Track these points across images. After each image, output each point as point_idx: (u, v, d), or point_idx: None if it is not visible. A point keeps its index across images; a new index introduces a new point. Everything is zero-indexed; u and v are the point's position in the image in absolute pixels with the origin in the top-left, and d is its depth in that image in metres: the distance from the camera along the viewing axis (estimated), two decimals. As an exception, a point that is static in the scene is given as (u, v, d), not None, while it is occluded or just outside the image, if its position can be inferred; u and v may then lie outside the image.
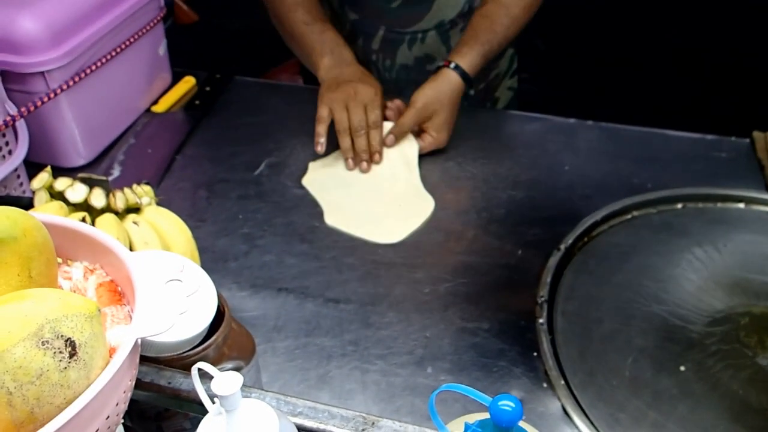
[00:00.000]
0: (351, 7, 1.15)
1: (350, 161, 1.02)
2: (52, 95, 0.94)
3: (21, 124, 0.93)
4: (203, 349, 0.59)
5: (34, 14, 0.92)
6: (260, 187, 1.02)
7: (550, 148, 1.07)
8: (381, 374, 0.75)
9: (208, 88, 1.22)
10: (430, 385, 0.73)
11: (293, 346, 0.79)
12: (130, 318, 0.47)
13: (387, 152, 1.03)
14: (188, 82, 1.24)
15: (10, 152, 0.91)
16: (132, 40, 1.07)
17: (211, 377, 0.44)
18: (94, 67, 1.00)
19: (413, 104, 1.01)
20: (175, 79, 1.23)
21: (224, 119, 1.17)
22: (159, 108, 1.18)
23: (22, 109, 0.91)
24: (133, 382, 0.44)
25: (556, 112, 1.14)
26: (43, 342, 0.35)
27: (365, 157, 1.01)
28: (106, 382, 0.38)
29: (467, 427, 0.37)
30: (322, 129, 1.02)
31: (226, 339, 0.61)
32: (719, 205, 0.96)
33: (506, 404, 0.34)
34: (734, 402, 0.73)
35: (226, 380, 0.40)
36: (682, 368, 0.76)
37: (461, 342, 0.78)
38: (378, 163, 1.02)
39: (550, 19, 1.00)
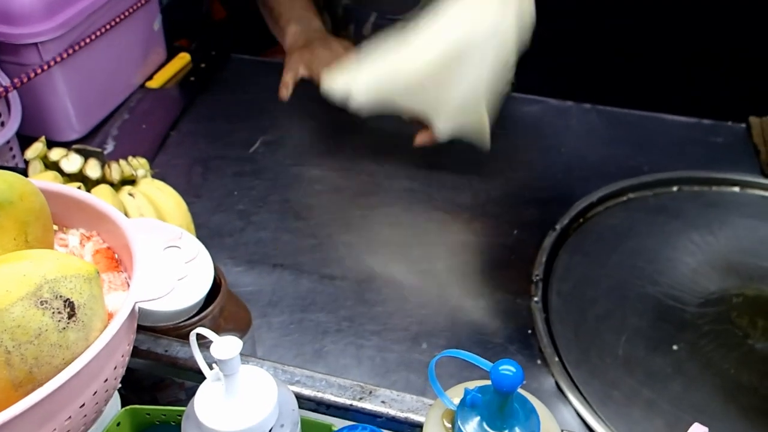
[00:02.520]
0: None
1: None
2: (45, 67, 0.93)
3: (14, 96, 0.92)
4: (199, 320, 0.58)
5: (29, -16, 0.91)
6: (255, 165, 1.01)
7: (547, 131, 1.06)
8: (376, 350, 0.75)
9: (203, 65, 1.21)
10: (424, 361, 0.73)
11: (288, 321, 0.79)
12: (127, 285, 0.47)
13: None
14: (183, 59, 1.22)
15: (2, 124, 0.90)
16: (127, 13, 1.06)
17: (209, 346, 0.44)
18: (88, 40, 0.99)
19: None
20: (172, 55, 1.22)
21: (220, 96, 1.16)
22: (153, 84, 1.16)
23: (15, 81, 0.90)
24: (131, 348, 0.43)
25: (554, 95, 1.13)
26: (41, 302, 0.35)
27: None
28: (105, 343, 0.37)
29: (467, 392, 0.37)
30: (285, 93, 0.99)
31: (222, 310, 0.61)
32: (714, 188, 0.96)
33: (507, 369, 0.34)
34: (726, 381, 0.74)
35: (226, 345, 0.40)
36: (675, 348, 0.77)
37: (457, 319, 0.78)
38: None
39: (548, 5, 0.99)
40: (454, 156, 1.02)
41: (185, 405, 0.44)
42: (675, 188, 0.96)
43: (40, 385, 0.35)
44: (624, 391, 0.72)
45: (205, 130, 1.08)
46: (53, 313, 0.35)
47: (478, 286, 0.82)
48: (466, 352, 0.37)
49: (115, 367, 0.41)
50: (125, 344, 0.42)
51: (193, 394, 0.44)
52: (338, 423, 0.49)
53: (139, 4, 1.08)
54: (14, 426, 0.34)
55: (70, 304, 0.36)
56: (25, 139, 0.94)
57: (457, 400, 0.39)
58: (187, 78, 1.19)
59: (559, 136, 1.06)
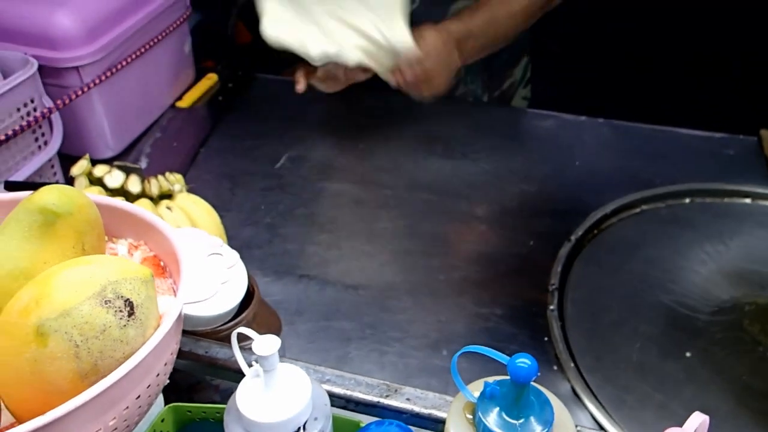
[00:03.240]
0: None
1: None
2: (85, 89, 0.99)
3: (56, 117, 0.97)
4: (234, 324, 0.62)
5: (71, 11, 0.96)
6: (282, 180, 1.06)
7: (562, 144, 1.10)
8: (398, 356, 0.78)
9: (230, 85, 1.26)
10: (444, 367, 0.77)
11: (314, 328, 0.82)
12: (173, 290, 0.51)
13: None
14: (211, 79, 1.28)
15: (45, 143, 0.96)
16: (160, 37, 1.12)
17: (246, 348, 0.48)
18: (124, 63, 1.04)
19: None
20: (199, 75, 1.28)
21: (246, 114, 1.21)
22: (183, 103, 1.22)
23: (58, 102, 0.95)
24: (178, 346, 0.48)
25: (567, 110, 1.17)
26: (105, 301, 0.39)
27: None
28: (159, 340, 0.42)
29: (486, 385, 0.41)
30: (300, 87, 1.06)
31: (255, 316, 0.65)
32: (726, 200, 0.99)
33: (523, 361, 0.38)
34: (737, 387, 0.76)
35: (266, 342, 0.44)
36: (688, 354, 0.79)
37: (475, 326, 0.82)
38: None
39: (563, 22, 1.03)
40: (471, 169, 1.06)
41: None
42: (687, 200, 0.99)
43: (103, 376, 0.39)
44: (637, 395, 0.74)
45: (233, 147, 1.13)
46: (115, 311, 0.40)
47: (496, 294, 0.86)
48: (486, 347, 0.41)
49: (165, 364, 0.45)
50: (174, 342, 0.46)
51: (227, 395, 0.48)
52: (365, 420, 0.52)
53: (171, 28, 1.14)
54: (80, 413, 0.39)
55: (129, 304, 0.40)
56: (63, 157, 1.00)
57: (476, 394, 0.42)
58: (215, 97, 1.24)
59: (573, 149, 1.09)
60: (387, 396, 0.52)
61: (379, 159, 1.08)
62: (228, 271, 0.50)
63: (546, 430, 0.40)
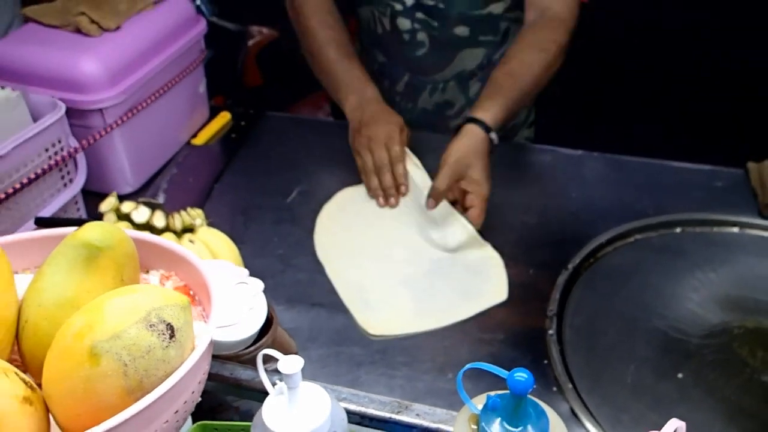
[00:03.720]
0: (380, 50, 1.26)
1: (380, 199, 1.07)
2: (108, 129, 1.05)
3: (80, 156, 1.03)
4: (255, 349, 0.67)
5: (95, 57, 1.03)
6: (292, 213, 1.11)
7: (559, 178, 1.16)
8: (406, 379, 0.83)
9: (243, 123, 1.32)
10: (449, 389, 0.81)
11: (326, 354, 0.87)
12: (203, 317, 0.56)
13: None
14: (224, 117, 1.34)
15: (71, 180, 1.02)
16: (177, 79, 1.18)
17: (267, 369, 0.53)
18: (144, 104, 1.11)
19: (445, 161, 1.00)
20: (212, 113, 1.34)
21: (258, 151, 1.27)
22: (198, 141, 1.28)
23: (83, 142, 1.01)
24: (209, 367, 0.52)
25: (564, 145, 1.23)
26: (150, 325, 0.44)
27: (392, 193, 1.06)
28: (196, 360, 0.47)
29: (489, 398, 0.46)
30: (367, 180, 1.08)
31: (273, 341, 0.70)
32: (715, 229, 1.04)
33: (521, 375, 0.43)
34: (728, 406, 0.81)
35: (291, 361, 0.49)
36: (680, 375, 0.84)
37: (478, 351, 0.87)
38: (404, 194, 1.06)
39: (564, 66, 1.10)
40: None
41: (252, 416, 0.52)
42: (678, 229, 1.04)
43: (147, 392, 0.44)
44: (633, 415, 0.79)
45: (246, 183, 1.19)
46: (159, 334, 0.45)
47: (498, 320, 0.91)
48: (487, 364, 0.46)
49: (199, 382, 0.50)
50: (206, 363, 0.51)
51: (246, 416, 0.53)
52: (378, 435, 0.57)
53: (188, 70, 1.21)
54: (128, 426, 0.43)
55: (171, 327, 0.45)
56: (85, 193, 1.05)
57: (479, 407, 0.47)
58: (228, 135, 1.30)
59: (569, 182, 1.15)
60: (398, 412, 0.57)
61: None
62: (254, 299, 0.55)
63: (542, 438, 0.45)
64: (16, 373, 0.46)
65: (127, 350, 0.44)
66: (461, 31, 1.19)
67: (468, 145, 1.01)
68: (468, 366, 0.47)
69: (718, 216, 1.04)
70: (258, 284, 0.57)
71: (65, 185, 1.01)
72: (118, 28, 1.08)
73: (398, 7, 1.20)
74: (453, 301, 0.93)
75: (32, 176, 0.92)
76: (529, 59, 1.08)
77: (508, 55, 1.11)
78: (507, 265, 0.99)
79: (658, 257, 1.00)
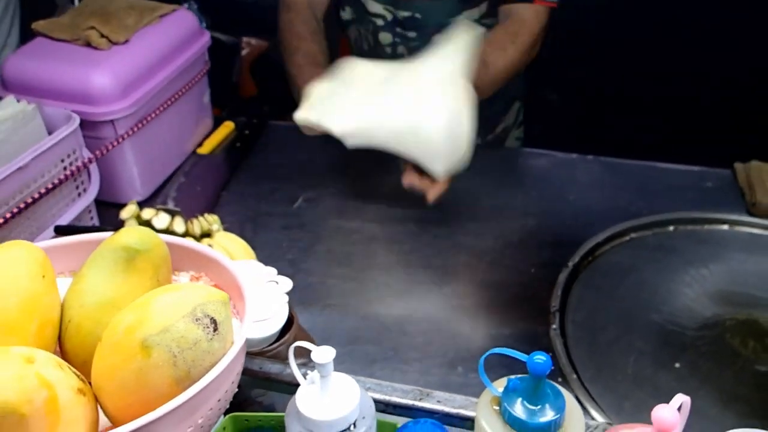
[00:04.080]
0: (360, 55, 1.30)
1: None
2: (120, 140, 1.08)
3: (93, 167, 1.06)
4: (278, 346, 0.71)
5: (106, 70, 1.06)
6: (300, 219, 1.15)
7: (556, 181, 1.20)
8: (419, 374, 0.87)
9: (247, 132, 1.36)
10: (461, 382, 0.85)
11: (340, 352, 0.89)
12: (234, 314, 0.60)
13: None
14: (228, 127, 1.37)
15: (85, 190, 1.04)
16: (183, 90, 1.21)
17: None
18: (153, 115, 1.14)
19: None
20: (215, 124, 1.37)
21: (263, 159, 1.30)
22: (204, 150, 1.31)
23: (96, 153, 1.04)
24: (244, 360, 0.56)
25: (558, 148, 1.27)
26: (196, 319, 0.48)
27: None
28: (236, 351, 0.50)
29: (510, 380, 0.49)
30: None
31: (295, 339, 0.73)
32: (706, 227, 1.08)
33: (539, 357, 0.47)
34: (723, 393, 0.85)
35: (323, 352, 0.52)
36: (677, 365, 0.88)
37: (487, 345, 0.89)
38: None
39: (555, 68, 1.14)
40: (474, 206, 1.15)
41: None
42: (671, 228, 1.08)
43: (194, 382, 0.48)
44: (634, 402, 0.83)
45: (253, 190, 1.22)
46: (204, 327, 0.48)
47: (504, 317, 0.95)
48: (508, 349, 0.50)
49: (237, 373, 0.53)
50: (243, 355, 0.54)
51: (270, 410, 0.56)
52: (401, 422, 0.60)
53: (193, 82, 1.24)
54: (177, 412, 0.47)
55: (214, 321, 0.49)
56: (96, 203, 1.08)
57: (500, 390, 0.51)
58: (233, 144, 1.33)
59: (566, 185, 1.19)
60: (420, 399, 0.60)
61: (388, 198, 1.17)
62: (283, 296, 0.58)
63: (559, 415, 0.48)
64: (68, 367, 0.49)
65: (176, 342, 0.47)
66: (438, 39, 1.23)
67: None
68: (489, 352, 0.51)
69: (708, 215, 1.09)
70: (287, 282, 0.60)
71: (79, 195, 1.04)
72: (126, 41, 1.11)
73: (379, 22, 1.25)
74: None
75: (49, 186, 0.95)
76: (487, 57, 1.13)
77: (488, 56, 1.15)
78: (510, 265, 1.03)
79: (652, 255, 1.04)
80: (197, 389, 0.47)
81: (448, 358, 0.89)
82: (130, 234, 0.58)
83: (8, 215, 0.88)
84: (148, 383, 0.47)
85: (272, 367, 0.64)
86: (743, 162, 1.18)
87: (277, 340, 0.72)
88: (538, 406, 0.48)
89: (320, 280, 1.02)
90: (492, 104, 1.27)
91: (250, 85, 2.16)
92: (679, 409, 0.46)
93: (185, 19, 1.23)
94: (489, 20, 1.25)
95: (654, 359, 0.89)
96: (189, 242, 0.63)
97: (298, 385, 0.58)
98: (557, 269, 1.00)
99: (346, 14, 1.31)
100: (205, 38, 1.27)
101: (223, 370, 0.49)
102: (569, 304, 0.96)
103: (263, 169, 1.27)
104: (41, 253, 0.56)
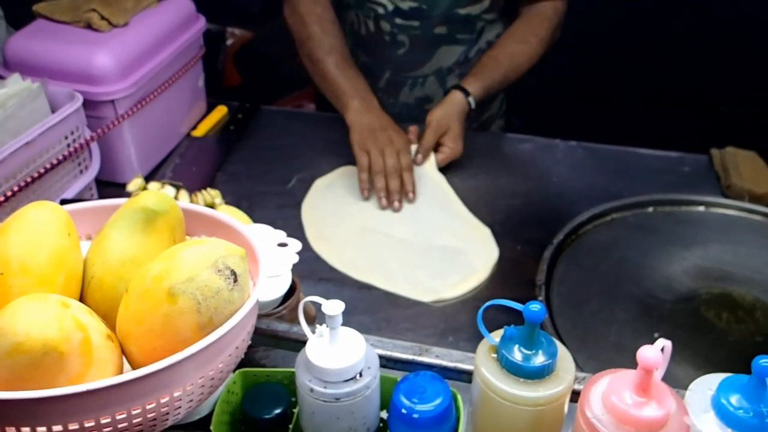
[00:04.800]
0: (363, 50, 1.34)
1: (383, 200, 1.14)
2: (119, 120, 1.11)
3: (94, 145, 1.09)
4: (282, 309, 0.75)
5: (108, 51, 1.09)
6: (294, 198, 1.18)
7: (540, 164, 1.25)
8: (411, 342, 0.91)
9: (240, 116, 1.39)
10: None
11: (336, 323, 0.94)
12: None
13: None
14: (221, 111, 1.40)
15: (86, 168, 1.07)
16: (180, 74, 1.24)
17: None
18: (151, 97, 1.17)
19: (429, 124, 1.18)
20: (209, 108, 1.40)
21: (256, 142, 1.33)
22: (198, 132, 1.34)
23: (98, 131, 1.07)
24: (257, 314, 0.60)
25: (543, 134, 1.32)
26: (218, 270, 0.52)
27: (397, 198, 1.13)
28: (253, 303, 0.54)
29: (506, 329, 0.54)
30: (365, 176, 1.15)
31: (297, 304, 0.77)
32: (683, 208, 1.14)
33: (535, 306, 0.51)
34: (698, 361, 0.90)
35: (334, 304, 0.56)
36: (656, 335, 0.93)
37: (476, 317, 0.95)
38: (412, 201, 1.14)
39: (541, 64, 1.20)
40: (462, 186, 1.20)
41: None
42: (650, 209, 1.13)
43: (215, 328, 0.51)
44: (616, 368, 0.87)
45: (247, 171, 1.26)
46: (225, 278, 0.52)
47: (492, 290, 0.99)
48: (506, 300, 0.54)
49: (252, 324, 0.57)
50: (256, 308, 0.58)
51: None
52: (401, 377, 0.64)
53: (189, 65, 1.27)
54: (200, 355, 0.50)
55: (234, 273, 0.53)
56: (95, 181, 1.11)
57: (497, 340, 0.55)
58: (226, 127, 1.36)
59: (549, 168, 1.24)
60: (420, 354, 0.64)
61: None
62: (295, 256, 0.62)
63: (552, 359, 0.53)
64: (96, 315, 0.52)
65: (200, 291, 0.51)
66: (440, 30, 1.28)
67: (449, 108, 1.19)
68: (488, 303, 0.55)
69: (685, 196, 1.14)
70: (296, 244, 0.64)
71: (81, 172, 1.07)
72: (126, 24, 1.14)
73: (380, 10, 1.28)
74: (442, 277, 1.02)
75: (54, 161, 0.98)
76: (512, 49, 1.23)
77: (495, 43, 1.26)
78: (497, 242, 1.07)
79: (632, 234, 1.09)
80: (219, 334, 0.51)
81: (439, 329, 0.93)
82: (149, 197, 0.61)
83: (16, 188, 0.91)
84: (173, 328, 0.51)
85: (279, 326, 0.68)
86: (719, 148, 1.24)
87: (281, 305, 0.76)
88: (533, 351, 0.53)
89: (315, 256, 1.06)
90: None
91: (234, 75, 2.19)
92: (661, 351, 0.51)
93: (182, 4, 1.26)
94: (489, 15, 1.30)
95: (634, 329, 0.94)
96: (201, 208, 0.66)
97: (303, 342, 0.62)
98: (542, 246, 1.04)
99: None
100: (201, 23, 1.30)
101: (242, 319, 0.53)
102: (554, 278, 1.01)
103: (257, 151, 1.31)
104: (65, 213, 0.59)
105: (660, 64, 1.43)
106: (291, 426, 0.63)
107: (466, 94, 1.20)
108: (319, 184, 1.20)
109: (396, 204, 1.13)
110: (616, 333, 0.93)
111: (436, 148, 1.22)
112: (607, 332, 0.93)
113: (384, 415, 0.66)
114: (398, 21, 1.28)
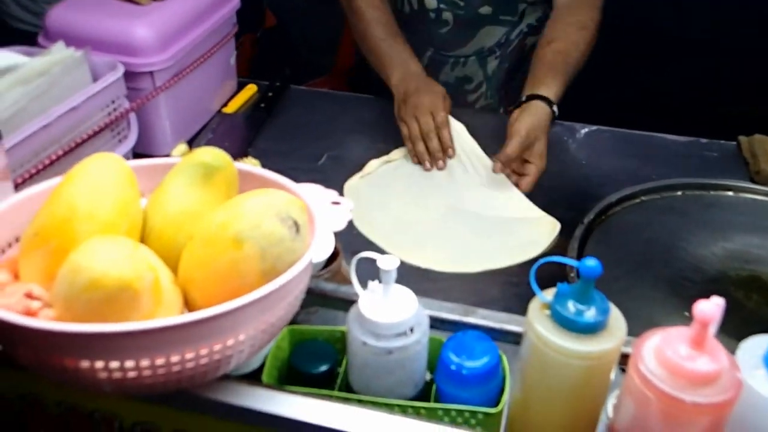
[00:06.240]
0: (405, 28, 1.35)
1: (427, 163, 1.15)
2: (158, 92, 1.12)
3: (132, 115, 1.11)
4: (325, 273, 0.76)
5: (148, 24, 1.10)
6: (324, 174, 1.20)
7: (571, 147, 1.26)
8: (445, 314, 0.92)
9: (270, 94, 1.40)
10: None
11: (370, 293, 0.96)
12: (296, 232, 0.65)
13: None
14: (251, 89, 1.42)
15: (125, 137, 1.09)
16: (214, 50, 1.26)
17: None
18: (188, 70, 1.18)
19: (516, 133, 1.09)
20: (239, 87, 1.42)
21: (286, 120, 1.35)
22: (229, 109, 1.36)
23: (138, 101, 1.08)
24: (312, 269, 0.61)
25: (573, 120, 1.33)
26: (281, 219, 0.53)
27: (440, 156, 1.14)
28: (313, 253, 0.55)
29: (560, 286, 0.55)
30: (410, 144, 1.17)
31: (339, 269, 0.79)
32: (712, 192, 1.14)
33: (591, 261, 0.53)
34: (730, 341, 0.90)
35: (389, 260, 0.58)
36: (686, 314, 0.94)
37: (507, 291, 0.96)
38: (452, 157, 1.15)
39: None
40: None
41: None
42: (679, 192, 1.14)
43: (277, 275, 0.53)
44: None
45: (278, 148, 1.27)
46: (288, 227, 0.53)
47: (523, 267, 1.00)
48: (563, 258, 0.55)
49: (308, 276, 0.58)
50: (311, 265, 0.59)
51: None
52: (446, 337, 0.66)
53: (223, 42, 1.29)
54: (262, 302, 0.52)
55: (296, 223, 0.54)
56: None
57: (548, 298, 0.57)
58: (257, 104, 1.38)
59: (579, 151, 1.25)
60: (466, 315, 0.66)
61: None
62: (348, 214, 0.63)
63: (605, 316, 0.54)
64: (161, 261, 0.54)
65: (265, 238, 0.52)
66: (485, 10, 1.28)
67: (539, 119, 1.11)
68: (543, 260, 0.57)
69: (714, 181, 1.15)
70: (349, 203, 0.66)
71: (120, 141, 1.08)
72: (164, -2, 1.16)
73: None
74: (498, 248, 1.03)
75: (96, 129, 1.00)
76: (575, 38, 1.18)
77: (552, 35, 1.20)
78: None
79: (662, 216, 1.10)
80: (283, 281, 0.52)
81: (471, 302, 0.93)
82: (207, 152, 0.62)
83: (61, 152, 0.93)
84: (238, 274, 0.52)
85: (327, 286, 0.69)
86: (747, 135, 1.24)
87: (323, 269, 0.78)
88: (587, 306, 0.54)
89: (347, 230, 1.07)
90: (515, 77, 1.33)
91: (270, 15, 2.21)
92: (713, 308, 0.52)
93: (218, -19, 1.28)
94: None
95: (664, 308, 0.95)
96: (254, 168, 0.68)
97: (349, 302, 0.64)
98: (573, 225, 1.05)
99: None
100: (235, 1, 1.32)
101: (303, 269, 0.54)
102: (584, 257, 1.01)
103: (287, 129, 1.32)
104: (127, 166, 0.61)
105: (692, 53, 1.44)
106: (338, 382, 0.64)
107: (549, 103, 1.13)
108: (351, 185, 1.18)
109: (440, 163, 1.14)
110: (646, 310, 0.94)
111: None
112: (638, 309, 0.93)
113: (427, 377, 0.67)
114: None
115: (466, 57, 1.34)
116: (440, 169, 1.16)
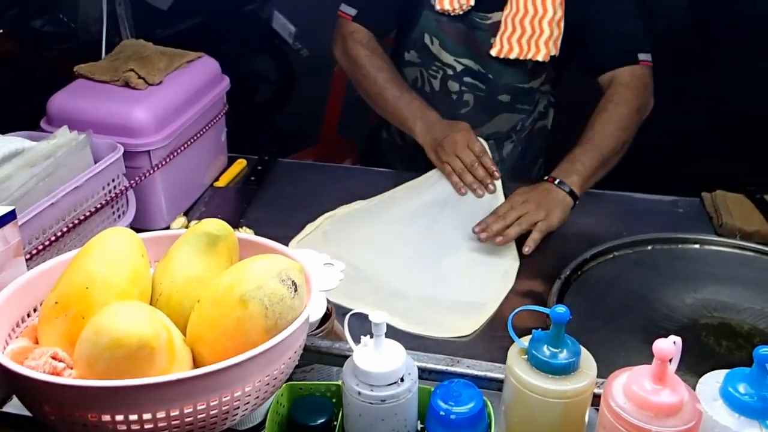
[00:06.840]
0: None
1: (478, 191, 1.24)
2: (154, 170, 1.19)
3: (131, 193, 1.17)
4: (320, 332, 0.81)
5: (145, 107, 1.18)
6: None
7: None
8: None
9: (260, 168, 1.48)
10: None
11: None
12: (293, 293, 0.70)
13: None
14: (241, 164, 1.49)
15: (123, 213, 1.15)
16: (206, 128, 1.34)
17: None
18: (181, 149, 1.25)
19: (540, 231, 1.20)
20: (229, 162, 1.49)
21: (275, 191, 1.42)
22: (220, 183, 1.43)
23: (136, 179, 1.15)
24: (308, 327, 0.66)
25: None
26: (282, 280, 0.59)
27: (489, 181, 1.24)
28: (309, 312, 0.61)
29: (534, 332, 0.61)
30: (456, 179, 1.25)
31: (332, 328, 0.84)
32: (680, 246, 1.22)
33: (560, 308, 0.59)
34: (702, 383, 0.97)
35: (380, 315, 0.63)
36: (661, 360, 1.00)
37: (491, 346, 1.01)
38: (498, 178, 1.24)
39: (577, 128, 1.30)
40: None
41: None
42: (649, 247, 1.21)
43: (280, 331, 0.58)
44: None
45: (269, 217, 1.33)
46: (288, 287, 0.59)
47: (505, 321, 1.06)
48: (535, 306, 0.61)
49: (306, 332, 0.64)
50: (307, 323, 0.65)
51: None
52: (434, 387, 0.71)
53: (214, 121, 1.37)
54: (266, 356, 0.57)
55: (294, 283, 0.60)
56: (133, 226, 1.18)
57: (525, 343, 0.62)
58: (247, 178, 1.45)
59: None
60: (452, 365, 0.71)
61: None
62: (339, 273, 0.69)
63: (576, 357, 0.60)
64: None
65: (268, 297, 0.58)
66: (504, 97, 1.38)
67: (563, 212, 1.23)
68: (517, 310, 0.63)
69: (682, 235, 1.22)
70: (340, 264, 0.72)
71: (119, 217, 1.14)
72: (160, 82, 1.24)
73: (450, 71, 1.39)
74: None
75: (97, 206, 1.06)
76: (610, 131, 1.27)
77: (592, 127, 1.28)
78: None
79: (634, 269, 1.17)
80: (284, 335, 0.57)
81: (458, 356, 0.99)
82: (211, 223, 0.69)
83: (65, 229, 0.98)
84: (244, 331, 0.57)
85: (322, 343, 0.74)
86: (709, 192, 1.33)
87: (318, 328, 0.83)
88: (559, 350, 0.60)
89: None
90: (523, 159, 1.42)
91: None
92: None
93: (209, 66, 1.37)
94: (545, 87, 1.42)
95: (641, 355, 1.00)
96: (253, 236, 0.74)
97: (344, 357, 0.69)
98: (551, 281, 1.12)
99: (411, 56, 1.43)
100: (225, 83, 1.41)
101: (301, 324, 0.60)
102: (563, 309, 1.08)
103: (277, 199, 1.39)
104: (139, 238, 0.67)
105: (658, 115, 1.54)
106: (335, 433, 0.69)
107: (570, 191, 1.23)
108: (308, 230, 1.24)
109: (491, 187, 1.24)
110: (624, 359, 0.99)
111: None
112: (616, 358, 0.99)
113: (419, 427, 0.71)
114: (467, 80, 1.38)
115: (484, 138, 1.38)
116: (491, 192, 1.24)
